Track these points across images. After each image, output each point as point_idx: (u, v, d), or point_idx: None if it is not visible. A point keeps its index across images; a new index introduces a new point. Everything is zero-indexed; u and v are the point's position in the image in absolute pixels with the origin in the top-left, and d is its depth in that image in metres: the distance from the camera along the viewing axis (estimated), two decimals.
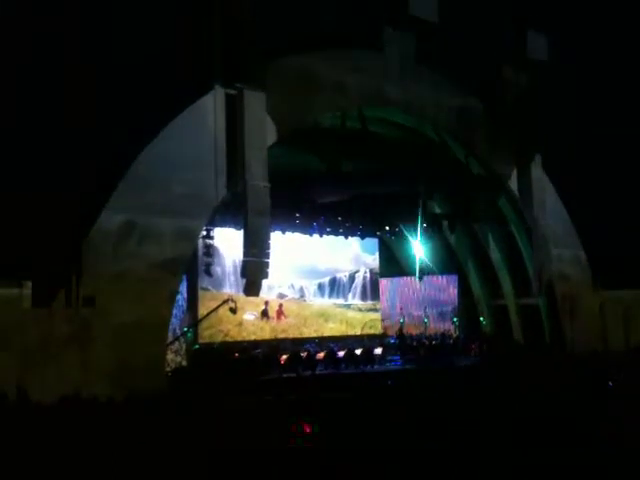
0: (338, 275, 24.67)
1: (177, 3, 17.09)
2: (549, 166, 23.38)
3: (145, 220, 15.14)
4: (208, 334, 19.97)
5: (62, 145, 15.42)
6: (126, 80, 15.72)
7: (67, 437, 8.55)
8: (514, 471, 6.57)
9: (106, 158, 15.30)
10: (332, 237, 23.41)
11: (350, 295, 24.87)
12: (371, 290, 25.38)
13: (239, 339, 20.54)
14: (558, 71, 23.17)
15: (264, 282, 17.21)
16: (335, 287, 24.47)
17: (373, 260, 25.67)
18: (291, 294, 23.04)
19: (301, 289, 23.41)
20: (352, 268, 25.09)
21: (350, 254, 25.02)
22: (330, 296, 24.27)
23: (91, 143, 15.15)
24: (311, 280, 23.81)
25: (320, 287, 24.03)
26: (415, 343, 23.24)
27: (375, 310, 25.28)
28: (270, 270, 16.77)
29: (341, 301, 24.55)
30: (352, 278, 25.03)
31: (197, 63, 16.51)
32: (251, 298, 18.53)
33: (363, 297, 25.15)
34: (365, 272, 25.37)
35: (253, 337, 21.00)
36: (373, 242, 25.62)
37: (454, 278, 25.52)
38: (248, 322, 21.08)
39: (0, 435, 8.45)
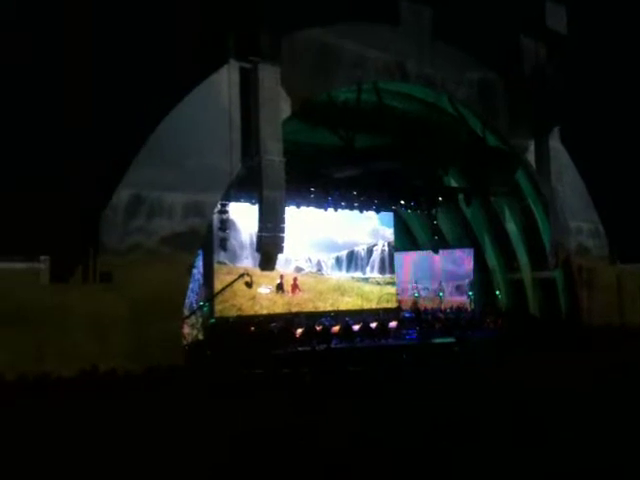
0: (356, 249, 24.64)
1: None
2: (567, 138, 23.12)
3: (156, 195, 15.19)
4: (220, 308, 20.08)
5: (80, 123, 15.44)
6: (141, 56, 15.65)
7: (87, 410, 8.73)
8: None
9: (123, 134, 15.31)
10: (348, 211, 23.37)
11: (368, 268, 24.84)
12: (389, 263, 25.31)
13: (251, 313, 20.66)
14: (578, 42, 22.74)
15: (281, 256, 17.27)
16: (353, 260, 24.45)
17: (391, 233, 25.60)
18: (308, 268, 23.08)
19: (318, 263, 23.43)
20: (370, 241, 25.03)
21: (368, 227, 24.96)
22: (348, 270, 24.26)
23: (109, 119, 15.16)
24: (329, 254, 23.83)
25: (338, 260, 24.03)
26: (430, 317, 23.29)
27: (393, 284, 25.28)
28: (286, 244, 16.81)
29: (359, 274, 24.52)
30: (370, 251, 24.99)
31: (211, 37, 16.40)
32: (266, 272, 18.59)
33: (381, 270, 25.10)
34: (383, 245, 25.30)
35: (266, 311, 21.09)
36: (391, 215, 25.55)
37: (470, 252, 25.45)
38: (262, 296, 21.17)
39: (23, 409, 8.65)
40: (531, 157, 22.50)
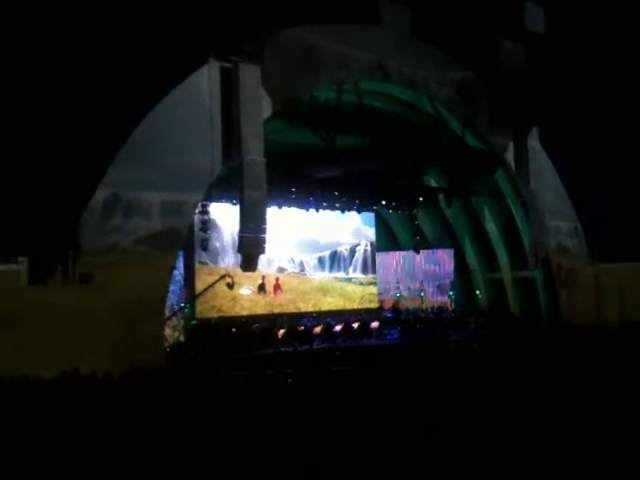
0: (339, 249, 24.62)
1: None
2: (546, 139, 23.31)
3: (135, 195, 15.03)
4: (201, 309, 19.92)
5: (58, 124, 15.27)
6: (119, 54, 15.50)
7: (68, 412, 8.61)
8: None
9: (101, 134, 15.15)
10: (329, 211, 23.33)
11: (351, 269, 24.84)
12: (372, 263, 25.37)
13: (233, 314, 20.53)
14: (556, 43, 22.93)
15: (263, 257, 17.19)
16: (336, 261, 24.43)
17: (374, 233, 25.63)
18: (291, 268, 23.02)
19: (301, 263, 23.38)
20: (353, 241, 25.05)
21: (351, 227, 24.98)
22: (331, 270, 24.25)
23: (87, 119, 14.99)
24: (311, 254, 23.78)
25: (320, 261, 24.00)
26: (411, 317, 23.33)
27: (375, 284, 25.31)
28: (268, 245, 16.73)
29: (342, 275, 24.52)
30: (353, 251, 25.00)
31: (192, 36, 16.29)
32: (248, 273, 18.49)
33: (364, 270, 25.12)
34: (366, 245, 25.34)
35: (248, 312, 20.96)
36: (372, 215, 25.56)
37: (450, 252, 25.55)
38: (244, 297, 21.07)
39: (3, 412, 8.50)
40: (510, 157, 22.66)
